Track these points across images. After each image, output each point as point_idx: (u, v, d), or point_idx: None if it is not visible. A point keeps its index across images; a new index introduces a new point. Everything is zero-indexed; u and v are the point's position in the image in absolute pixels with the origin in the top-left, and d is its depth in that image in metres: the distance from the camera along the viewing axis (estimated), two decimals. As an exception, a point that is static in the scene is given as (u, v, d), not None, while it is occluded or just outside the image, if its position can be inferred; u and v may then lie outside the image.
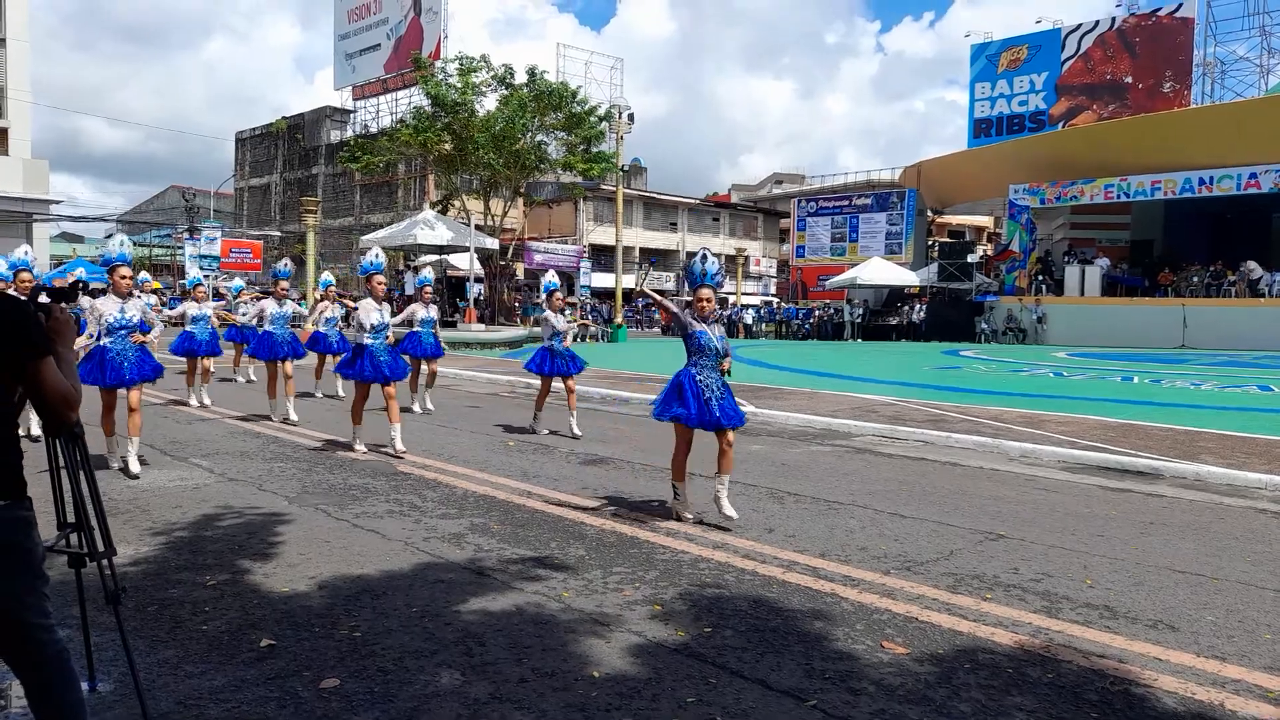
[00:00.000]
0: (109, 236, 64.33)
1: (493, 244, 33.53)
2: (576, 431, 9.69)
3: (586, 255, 52.63)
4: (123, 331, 7.31)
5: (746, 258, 55.02)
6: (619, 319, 34.85)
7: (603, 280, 49.05)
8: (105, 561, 2.87)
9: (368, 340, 8.58)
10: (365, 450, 8.47)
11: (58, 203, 36.62)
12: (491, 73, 33.36)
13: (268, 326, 11.17)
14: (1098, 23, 42.22)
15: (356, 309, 8.86)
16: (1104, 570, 5.00)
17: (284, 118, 57.75)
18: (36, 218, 33.35)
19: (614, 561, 5.01)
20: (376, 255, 9.04)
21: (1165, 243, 33.73)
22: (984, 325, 33.09)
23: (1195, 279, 29.54)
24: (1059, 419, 10.64)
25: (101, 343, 7.25)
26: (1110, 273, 31.68)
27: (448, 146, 33.64)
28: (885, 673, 3.55)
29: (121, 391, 7.36)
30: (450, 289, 37.95)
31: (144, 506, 6.18)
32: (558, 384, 10.10)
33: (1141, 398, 13.40)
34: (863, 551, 5.33)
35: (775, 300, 53.39)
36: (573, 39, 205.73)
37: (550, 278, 10.79)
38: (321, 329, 12.89)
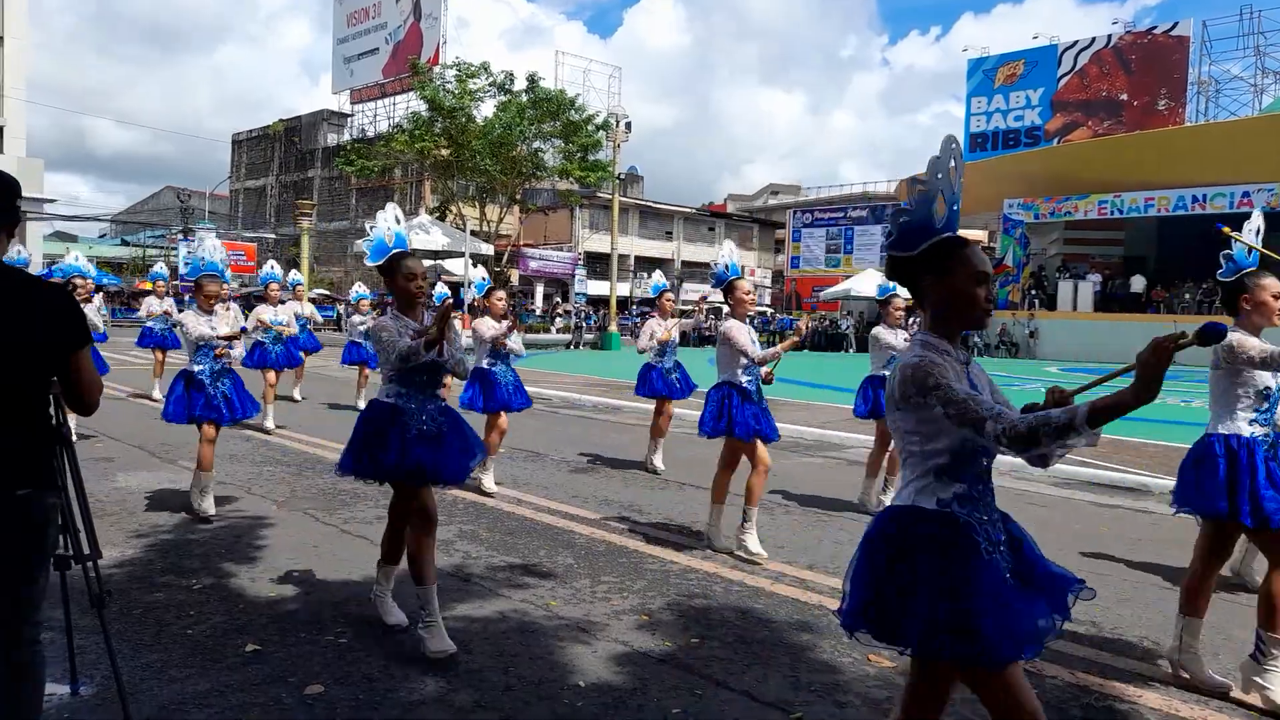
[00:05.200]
0: (102, 236, 63.81)
1: (488, 250, 33.53)
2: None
3: (581, 262, 52.64)
4: None
5: (742, 268, 55.07)
6: (613, 326, 34.86)
7: (598, 288, 49.10)
8: (90, 564, 2.85)
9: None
10: None
11: (52, 201, 36.56)
12: (490, 79, 33.40)
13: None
14: (1094, 39, 42.49)
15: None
16: (1091, 585, 4.99)
17: (280, 120, 57.71)
18: (30, 216, 33.25)
19: (602, 570, 5.00)
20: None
21: (1158, 259, 33.89)
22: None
23: (1187, 295, 29.68)
24: (1050, 434, 10.64)
25: None
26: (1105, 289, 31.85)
27: (445, 152, 33.67)
28: (871, 686, 3.55)
29: None
30: (445, 294, 37.91)
31: (130, 509, 6.16)
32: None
33: (1132, 414, 13.43)
34: (851, 564, 5.32)
35: (770, 311, 53.49)
36: (581, 47, 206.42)
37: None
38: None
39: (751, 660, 3.76)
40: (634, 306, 53.15)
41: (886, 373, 6.75)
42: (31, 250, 31.69)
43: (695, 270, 59.44)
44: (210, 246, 6.15)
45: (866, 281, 38.71)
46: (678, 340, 8.64)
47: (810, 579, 4.95)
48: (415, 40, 49.07)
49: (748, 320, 5.61)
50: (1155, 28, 41.44)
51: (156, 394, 12.18)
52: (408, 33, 49.96)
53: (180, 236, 43.62)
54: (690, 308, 44.11)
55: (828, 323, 40.51)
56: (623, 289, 48.42)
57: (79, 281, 8.35)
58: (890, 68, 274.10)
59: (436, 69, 38.12)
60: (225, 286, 11.50)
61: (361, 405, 11.77)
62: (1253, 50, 39.45)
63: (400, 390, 3.83)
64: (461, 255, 30.38)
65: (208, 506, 5.88)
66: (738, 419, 5.36)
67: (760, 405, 5.49)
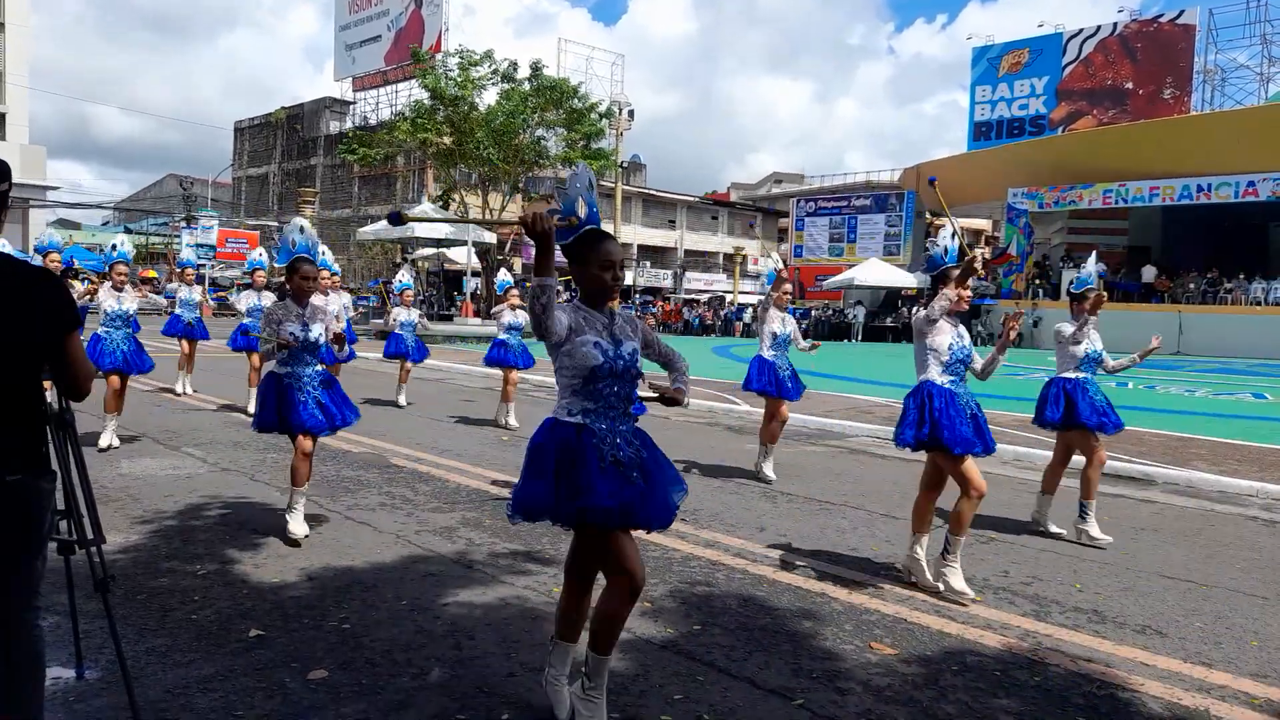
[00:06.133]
0: (105, 224, 63.84)
1: (490, 238, 33.49)
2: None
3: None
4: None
5: (744, 257, 55.04)
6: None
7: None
8: (94, 549, 2.86)
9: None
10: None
11: (54, 189, 36.56)
12: (493, 67, 33.28)
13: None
14: (1099, 28, 42.21)
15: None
16: (1093, 575, 5.01)
17: (283, 108, 57.55)
18: (33, 204, 33.25)
19: (605, 558, 5.00)
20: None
21: (1163, 249, 33.81)
22: (980, 328, 33.12)
23: (1192, 285, 29.61)
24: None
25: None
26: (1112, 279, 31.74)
27: (447, 140, 33.57)
28: (873, 673, 3.56)
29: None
30: (447, 283, 37.93)
31: (135, 495, 6.17)
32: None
33: (1135, 403, 13.42)
34: (854, 552, 5.33)
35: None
36: (585, 34, 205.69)
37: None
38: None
39: (753, 647, 3.77)
40: (636, 295, 53.13)
41: (1077, 375, 6.09)
42: (34, 238, 31.76)
43: (698, 259, 59.36)
44: (296, 225, 5.31)
45: (869, 270, 38.69)
46: (793, 335, 7.91)
47: (813, 567, 4.96)
48: (417, 27, 48.88)
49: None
50: (1161, 16, 41.23)
51: (179, 387, 11.75)
52: (409, 20, 49.77)
53: (183, 224, 43.58)
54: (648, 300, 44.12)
55: (832, 312, 40.51)
56: (625, 278, 48.29)
57: (120, 267, 8.20)
58: (896, 56, 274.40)
59: (439, 57, 37.98)
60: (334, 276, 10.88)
61: (403, 401, 11.51)
62: (1259, 39, 39.14)
63: (588, 406, 3.01)
64: (464, 244, 30.37)
65: (296, 529, 5.12)
66: (944, 424, 4.44)
67: (964, 411, 4.53)
